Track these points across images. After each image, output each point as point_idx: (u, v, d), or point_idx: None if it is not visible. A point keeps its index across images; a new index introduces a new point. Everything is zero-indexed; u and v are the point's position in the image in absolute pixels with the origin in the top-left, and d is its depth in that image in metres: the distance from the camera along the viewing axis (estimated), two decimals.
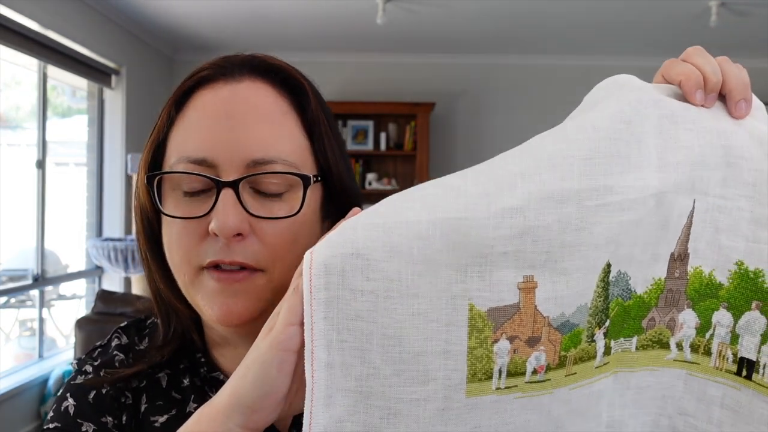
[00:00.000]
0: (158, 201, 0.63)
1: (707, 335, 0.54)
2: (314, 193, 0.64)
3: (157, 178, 0.64)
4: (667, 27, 4.43)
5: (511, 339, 0.49)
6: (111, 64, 4.42)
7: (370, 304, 0.47)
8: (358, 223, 0.48)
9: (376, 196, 5.61)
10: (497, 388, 0.49)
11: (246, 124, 0.61)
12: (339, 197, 0.67)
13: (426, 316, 0.47)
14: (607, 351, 0.55)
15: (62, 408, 0.67)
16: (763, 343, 0.52)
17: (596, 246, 0.50)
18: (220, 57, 0.67)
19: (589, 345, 0.53)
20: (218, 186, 0.60)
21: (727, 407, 0.53)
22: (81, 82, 4.41)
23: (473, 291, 0.48)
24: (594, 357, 0.54)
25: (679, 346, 0.55)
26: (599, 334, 0.53)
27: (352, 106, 5.12)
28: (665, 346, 0.56)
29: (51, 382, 3.82)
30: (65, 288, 4.64)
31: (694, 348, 0.55)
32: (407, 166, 5.29)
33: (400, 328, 0.47)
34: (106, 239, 4.10)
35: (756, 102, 0.55)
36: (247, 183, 0.61)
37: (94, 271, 4.52)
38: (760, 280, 0.52)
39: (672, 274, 0.55)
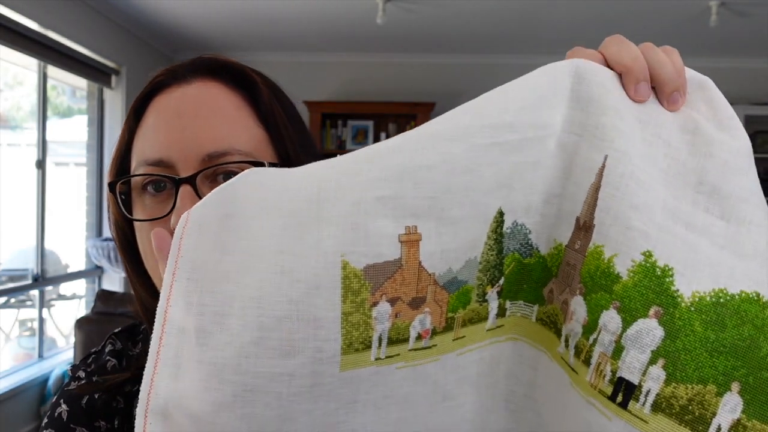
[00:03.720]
0: (127, 209, 0.65)
1: (591, 339, 0.43)
2: None
3: (125, 188, 0.65)
4: (667, 27, 4.42)
5: (392, 301, 0.41)
6: (111, 64, 4.42)
7: (237, 264, 0.40)
8: (237, 180, 0.43)
9: None
10: (377, 359, 0.42)
11: (197, 120, 0.62)
12: None
13: (291, 275, 0.40)
14: (501, 312, 0.47)
15: (56, 414, 0.68)
16: (652, 362, 0.40)
17: (487, 191, 0.43)
18: (173, 63, 0.69)
19: (480, 305, 0.46)
20: (176, 183, 0.61)
21: None
22: (81, 82, 4.41)
23: (347, 246, 0.40)
24: (485, 319, 0.46)
25: (567, 341, 0.45)
26: (492, 293, 0.46)
27: (352, 106, 5.12)
28: (558, 333, 0.46)
29: (51, 382, 3.82)
30: (65, 288, 4.64)
31: (577, 351, 0.44)
32: None
33: (260, 287, 0.40)
34: (106, 239, 4.09)
35: (698, 80, 0.47)
36: (206, 178, 0.61)
37: (94, 271, 4.52)
38: (667, 280, 0.41)
39: (573, 244, 0.45)
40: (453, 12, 4.21)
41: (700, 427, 0.39)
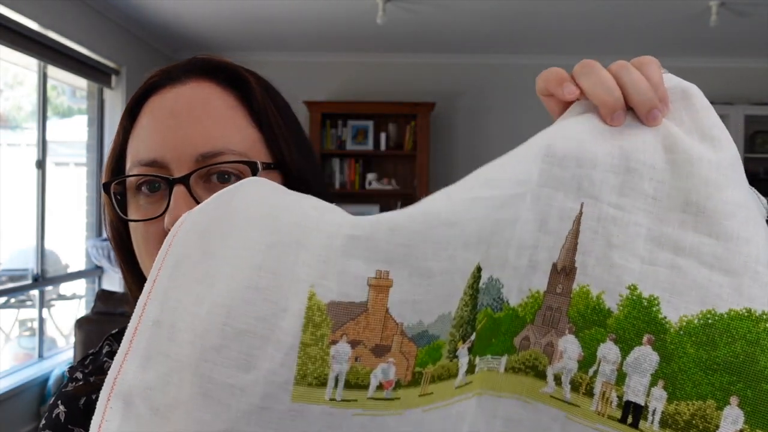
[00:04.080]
0: (122, 210, 0.65)
1: (590, 371, 0.45)
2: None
3: (120, 189, 0.65)
4: (667, 27, 4.43)
5: (353, 343, 0.41)
6: (111, 64, 4.42)
7: (214, 269, 0.41)
8: (236, 187, 0.44)
9: (376, 197, 5.57)
10: (331, 399, 0.40)
11: (191, 121, 0.62)
12: (299, 189, 0.68)
13: (265, 294, 0.40)
14: (471, 369, 0.47)
15: (54, 415, 0.68)
16: (653, 384, 0.43)
17: (466, 245, 0.42)
18: (168, 64, 0.69)
19: (451, 362, 0.45)
20: (169, 184, 0.61)
21: None
22: (81, 82, 4.41)
23: (317, 277, 0.40)
24: (455, 375, 0.46)
25: (557, 379, 0.46)
26: (463, 350, 0.45)
27: (352, 106, 5.12)
28: (541, 375, 0.47)
29: (51, 382, 3.82)
30: (65, 288, 4.64)
31: (574, 386, 0.46)
32: (407, 166, 5.29)
33: (231, 297, 0.40)
34: (106, 239, 4.09)
35: (681, 88, 0.46)
36: (199, 178, 0.62)
37: (94, 271, 4.52)
38: (654, 309, 0.44)
39: (553, 288, 0.47)
40: (453, 12, 4.21)
41: None
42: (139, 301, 0.42)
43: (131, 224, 0.65)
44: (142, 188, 0.63)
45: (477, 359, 0.47)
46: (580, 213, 0.46)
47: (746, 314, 0.43)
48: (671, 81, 0.47)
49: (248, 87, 0.66)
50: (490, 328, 0.47)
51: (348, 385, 0.41)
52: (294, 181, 0.66)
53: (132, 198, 0.65)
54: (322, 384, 0.40)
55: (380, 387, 0.42)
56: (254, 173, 0.62)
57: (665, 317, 0.44)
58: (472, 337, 0.46)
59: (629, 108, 0.46)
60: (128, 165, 0.65)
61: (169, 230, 0.59)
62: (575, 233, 0.46)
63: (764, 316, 0.42)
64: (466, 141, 5.38)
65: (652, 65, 0.46)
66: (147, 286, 0.43)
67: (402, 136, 5.23)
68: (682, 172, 0.45)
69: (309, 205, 0.43)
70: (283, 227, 0.42)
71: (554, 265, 0.47)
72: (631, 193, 0.46)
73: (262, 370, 0.40)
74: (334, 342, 0.40)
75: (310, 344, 0.40)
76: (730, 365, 0.42)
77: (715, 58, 5.12)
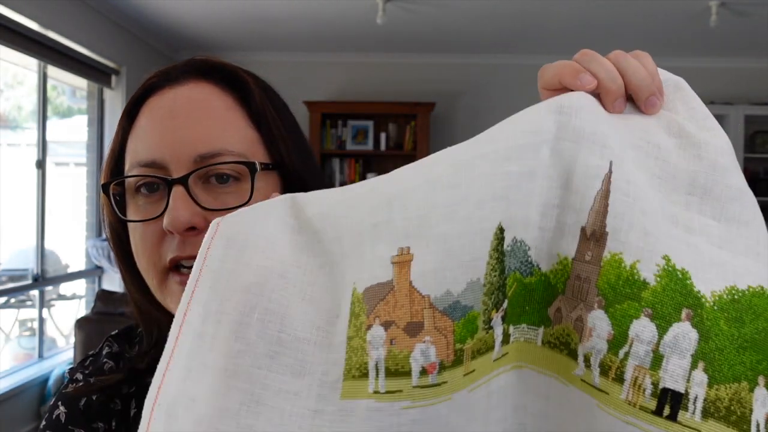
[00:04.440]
0: (121, 210, 0.65)
1: (621, 353, 0.40)
2: (268, 182, 0.65)
3: (119, 189, 0.65)
4: (667, 27, 4.43)
5: (386, 325, 0.39)
6: (111, 64, 4.42)
7: (261, 278, 0.41)
8: (267, 206, 0.44)
9: None
10: (375, 392, 0.39)
11: (189, 122, 0.63)
12: (297, 189, 0.68)
13: (319, 304, 0.41)
14: (506, 339, 0.44)
15: (54, 416, 0.68)
16: (693, 366, 0.39)
17: (479, 203, 0.41)
18: (167, 65, 0.69)
19: (487, 333, 0.42)
20: (168, 184, 0.61)
21: None
22: (81, 82, 4.41)
23: (357, 274, 0.41)
24: (492, 348, 0.43)
25: (587, 361, 0.41)
26: (497, 319, 0.42)
27: (352, 106, 5.12)
28: (573, 355, 0.42)
29: (51, 382, 3.82)
30: (65, 288, 4.64)
31: (604, 369, 0.40)
32: None
33: (287, 306, 0.41)
34: (106, 239, 4.09)
35: (673, 81, 0.47)
36: (198, 179, 0.62)
37: (94, 271, 4.52)
38: (688, 281, 0.40)
39: (582, 255, 0.42)
40: (453, 12, 4.21)
41: (744, 426, 0.38)
42: (178, 309, 0.42)
43: (130, 225, 0.65)
44: (141, 189, 0.63)
45: (511, 328, 0.44)
46: (610, 171, 0.42)
47: (761, 291, 0.41)
48: (663, 74, 0.47)
49: (246, 88, 0.66)
50: (522, 295, 0.44)
51: (389, 373, 0.39)
52: (292, 182, 0.66)
53: (131, 199, 0.65)
54: (364, 375, 0.39)
55: (424, 372, 0.39)
56: (252, 174, 0.62)
57: (699, 291, 0.40)
58: (504, 305, 0.43)
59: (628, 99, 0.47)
60: (127, 166, 0.65)
61: (168, 230, 0.59)
62: (605, 193, 0.41)
63: None
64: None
65: (647, 57, 0.47)
66: (185, 296, 0.42)
67: (402, 136, 5.23)
68: (688, 155, 0.44)
69: (336, 211, 0.43)
70: (327, 246, 0.43)
71: (583, 229, 0.42)
72: (642, 169, 0.43)
73: (317, 374, 0.40)
74: (369, 327, 0.39)
75: (353, 336, 0.40)
76: (756, 343, 0.39)
77: (715, 58, 5.12)
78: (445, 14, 4.26)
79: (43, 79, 3.90)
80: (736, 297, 0.40)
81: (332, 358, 0.40)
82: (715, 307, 0.40)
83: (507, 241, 0.42)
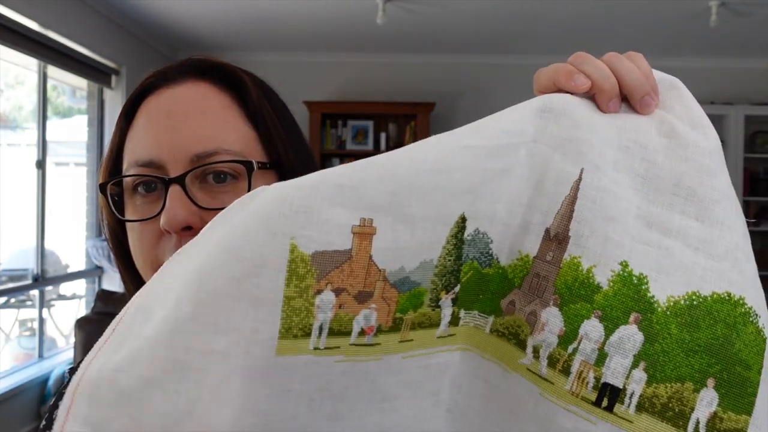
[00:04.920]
0: (119, 210, 0.65)
1: (570, 348, 0.43)
2: (266, 181, 0.64)
3: (117, 189, 0.66)
4: (667, 27, 4.43)
5: (337, 291, 0.41)
6: (111, 64, 4.42)
7: (194, 249, 0.42)
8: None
9: None
10: (315, 348, 0.41)
11: (186, 121, 0.63)
12: None
13: (237, 253, 0.39)
14: (455, 321, 0.46)
15: (55, 416, 0.67)
16: (634, 365, 0.42)
17: (453, 194, 0.42)
18: (164, 65, 0.69)
19: (433, 310, 0.45)
20: (165, 183, 0.61)
21: None
22: (81, 82, 4.41)
23: (297, 229, 0.40)
24: (437, 325, 0.45)
25: (536, 352, 0.45)
26: (446, 300, 0.45)
27: (352, 106, 5.12)
28: (521, 345, 0.46)
29: (51, 382, 3.82)
30: (65, 288, 4.64)
31: (551, 361, 0.44)
32: None
33: (204, 263, 0.40)
34: (106, 239, 4.09)
35: (668, 81, 0.48)
36: (195, 178, 0.62)
37: (94, 271, 4.52)
38: (643, 287, 0.43)
39: (543, 255, 0.45)
40: (453, 12, 4.21)
41: (680, 422, 0.42)
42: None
43: (128, 224, 0.65)
44: (139, 188, 0.63)
45: (462, 312, 0.47)
46: (579, 179, 0.44)
47: (726, 298, 0.43)
48: (658, 74, 0.48)
49: (244, 87, 0.66)
50: (477, 283, 0.46)
51: (331, 333, 0.41)
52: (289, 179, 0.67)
53: (129, 198, 0.65)
54: (306, 334, 0.40)
55: (362, 333, 0.42)
56: (249, 173, 0.62)
57: (653, 296, 0.43)
58: (456, 289, 0.45)
59: (623, 99, 0.47)
60: (125, 165, 0.65)
61: (165, 230, 0.59)
62: (572, 199, 0.44)
63: (741, 301, 0.43)
64: None
65: (641, 58, 0.48)
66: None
67: (402, 136, 5.23)
68: (675, 156, 0.45)
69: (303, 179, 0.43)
70: (257, 197, 0.42)
71: (547, 231, 0.45)
72: (623, 170, 0.45)
73: (244, 330, 0.39)
74: (319, 291, 0.40)
75: (294, 297, 0.40)
76: (711, 347, 0.42)
77: (715, 58, 5.12)
78: (445, 14, 4.26)
79: (43, 79, 3.90)
80: (695, 303, 0.43)
81: (261, 314, 0.39)
82: (668, 312, 0.43)
83: (468, 231, 0.44)
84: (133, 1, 4.07)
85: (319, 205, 0.40)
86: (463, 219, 0.44)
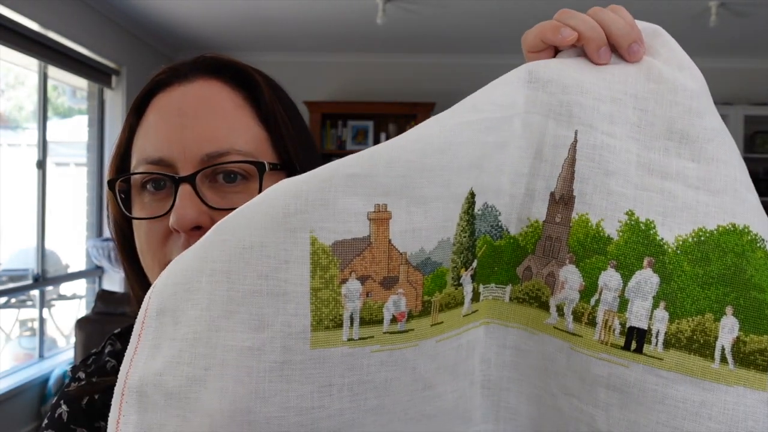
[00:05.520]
0: (126, 207, 0.65)
1: (592, 301, 0.45)
2: (276, 182, 0.64)
3: (125, 186, 0.65)
4: (667, 27, 4.40)
5: (362, 279, 0.42)
6: (111, 64, 4.42)
7: (208, 246, 0.42)
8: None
9: None
10: (349, 339, 0.41)
11: (198, 120, 0.62)
12: None
13: (261, 251, 0.40)
14: (476, 297, 0.48)
15: (56, 414, 0.68)
16: (655, 306, 0.44)
17: (459, 170, 0.44)
18: (175, 62, 0.69)
19: (456, 289, 0.46)
20: (175, 182, 0.60)
21: (614, 388, 0.45)
22: (81, 82, 4.41)
23: (315, 222, 0.41)
24: (462, 303, 0.47)
25: (560, 310, 0.47)
26: (466, 277, 0.46)
27: (352, 106, 5.12)
28: (544, 306, 0.47)
29: (51, 382, 3.82)
30: (65, 288, 4.64)
31: (576, 316, 0.46)
32: None
33: (228, 261, 0.41)
34: (106, 239, 4.10)
35: (652, 29, 0.50)
36: (206, 178, 0.61)
37: (94, 271, 4.52)
38: (652, 232, 0.45)
39: (552, 218, 0.47)
40: (453, 12, 4.21)
41: (707, 351, 0.44)
42: (145, 296, 0.43)
43: (135, 222, 0.64)
44: (148, 186, 0.63)
45: (481, 287, 0.48)
46: (575, 140, 0.46)
47: (732, 229, 0.45)
48: (640, 24, 0.50)
49: (256, 86, 0.66)
50: (491, 256, 0.48)
51: (363, 322, 0.42)
52: None
53: (137, 195, 0.64)
54: (338, 325, 0.41)
55: (394, 320, 0.43)
56: (261, 174, 0.62)
57: (662, 238, 0.45)
58: (474, 264, 0.47)
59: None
60: (134, 162, 0.64)
61: (174, 229, 0.59)
62: (571, 161, 0.46)
63: (746, 230, 0.45)
64: None
65: (623, 10, 0.50)
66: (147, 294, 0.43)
67: None
68: (664, 101, 0.47)
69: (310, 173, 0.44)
70: (270, 193, 0.42)
71: (552, 194, 0.47)
72: (619, 121, 0.47)
73: (276, 325, 0.40)
74: (344, 281, 0.41)
75: (320, 288, 0.41)
76: (723, 277, 0.44)
77: (715, 58, 5.12)
78: (445, 14, 4.26)
79: (44, 79, 3.90)
80: (702, 238, 0.45)
81: (290, 308, 0.40)
82: (678, 252, 0.45)
83: (478, 206, 0.46)
84: (133, 1, 4.07)
85: (334, 196, 0.41)
86: (472, 194, 0.45)
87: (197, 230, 0.60)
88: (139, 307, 0.69)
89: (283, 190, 0.42)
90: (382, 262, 0.42)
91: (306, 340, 0.40)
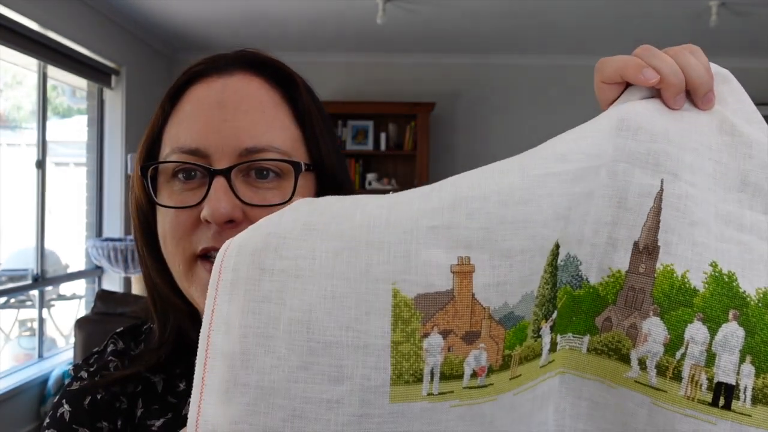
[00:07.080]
0: (153, 193, 0.64)
1: (678, 354, 0.44)
2: (307, 183, 0.65)
3: (152, 170, 0.65)
4: (667, 27, 4.42)
5: (444, 333, 0.40)
6: (111, 64, 4.42)
7: (279, 284, 0.40)
8: (286, 209, 0.44)
9: None
10: (429, 394, 0.40)
11: (238, 113, 0.62)
12: (332, 191, 0.68)
13: (342, 301, 0.40)
14: (553, 347, 0.47)
15: (58, 414, 0.67)
16: (741, 360, 0.43)
17: (544, 223, 0.43)
18: (214, 54, 0.68)
19: (535, 341, 0.45)
20: (210, 174, 0.60)
21: None
22: (81, 82, 4.41)
23: (398, 274, 0.40)
24: (539, 355, 0.46)
25: (642, 364, 0.45)
26: (545, 328, 0.45)
27: (352, 106, 5.12)
28: (625, 359, 0.46)
29: (51, 383, 3.82)
30: (65, 288, 4.64)
31: (660, 370, 0.45)
32: (407, 166, 5.29)
33: (309, 311, 0.39)
34: (106, 239, 4.09)
35: (722, 74, 0.49)
36: (239, 172, 0.61)
37: (94, 271, 4.52)
38: (734, 284, 0.45)
39: (636, 268, 0.46)
40: (453, 12, 4.21)
41: None
42: (201, 334, 0.41)
43: (161, 209, 0.64)
44: (179, 175, 0.63)
45: (558, 337, 0.47)
46: (661, 189, 0.46)
47: None
48: (712, 67, 0.49)
49: (295, 86, 0.67)
50: (570, 306, 0.47)
51: (443, 377, 0.41)
52: (328, 183, 0.67)
53: (165, 182, 0.64)
54: (419, 380, 0.40)
55: (474, 375, 0.42)
56: (297, 173, 0.62)
57: (745, 291, 0.45)
58: (554, 315, 0.46)
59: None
60: (166, 150, 0.64)
61: (207, 219, 0.59)
62: (657, 211, 0.46)
63: None
64: (466, 141, 5.38)
65: (700, 52, 0.49)
66: (206, 318, 0.41)
67: (402, 136, 5.23)
68: (739, 154, 0.47)
69: (374, 205, 0.42)
70: (347, 231, 0.41)
71: (636, 244, 0.46)
72: (699, 172, 0.46)
73: (356, 378, 0.39)
74: (426, 335, 0.40)
75: (401, 341, 0.40)
76: None
77: (715, 58, 5.03)
78: (445, 14, 4.26)
79: (43, 79, 3.90)
80: None
81: (370, 361, 0.39)
82: (760, 304, 0.44)
83: (561, 257, 0.45)
84: (133, 1, 4.07)
85: (416, 248, 0.40)
86: (557, 246, 0.44)
87: (229, 224, 0.60)
88: (153, 298, 0.69)
89: (365, 240, 0.41)
90: (464, 316, 0.41)
91: (385, 394, 0.40)
